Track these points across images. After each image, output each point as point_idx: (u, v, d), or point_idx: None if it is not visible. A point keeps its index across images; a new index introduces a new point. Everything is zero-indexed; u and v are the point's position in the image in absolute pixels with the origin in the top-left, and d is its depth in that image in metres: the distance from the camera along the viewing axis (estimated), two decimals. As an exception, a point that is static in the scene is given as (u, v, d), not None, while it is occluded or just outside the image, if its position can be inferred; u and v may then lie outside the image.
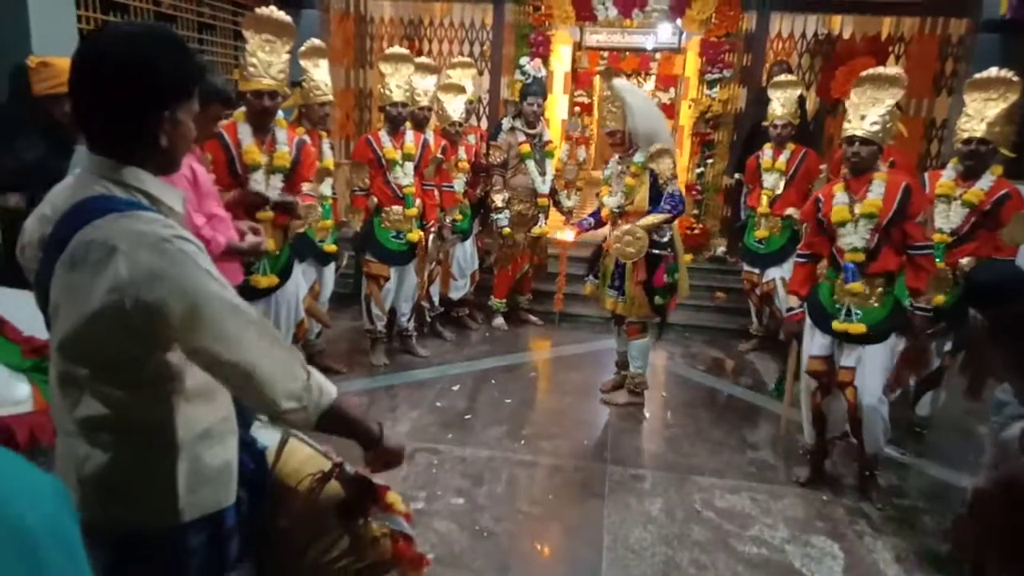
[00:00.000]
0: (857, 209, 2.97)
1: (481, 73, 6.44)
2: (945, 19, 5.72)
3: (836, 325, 3.07)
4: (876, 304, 3.03)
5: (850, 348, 3.09)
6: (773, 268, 4.78)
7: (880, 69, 3.01)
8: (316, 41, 3.64)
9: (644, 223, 3.63)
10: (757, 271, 4.92)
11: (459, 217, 4.89)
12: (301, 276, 3.66)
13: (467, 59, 5.27)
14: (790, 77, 4.73)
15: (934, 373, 3.59)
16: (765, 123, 4.75)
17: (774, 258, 4.77)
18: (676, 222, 3.81)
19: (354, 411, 1.36)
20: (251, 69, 3.02)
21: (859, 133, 2.92)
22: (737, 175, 5.40)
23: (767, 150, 4.78)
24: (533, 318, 5.60)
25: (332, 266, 4.19)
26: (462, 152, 4.94)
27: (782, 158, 4.68)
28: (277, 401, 1.18)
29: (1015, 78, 3.16)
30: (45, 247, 1.16)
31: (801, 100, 5.04)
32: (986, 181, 3.30)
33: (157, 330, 1.11)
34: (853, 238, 2.99)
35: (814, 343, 3.22)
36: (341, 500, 1.51)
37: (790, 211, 4.52)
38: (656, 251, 3.71)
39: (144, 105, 1.15)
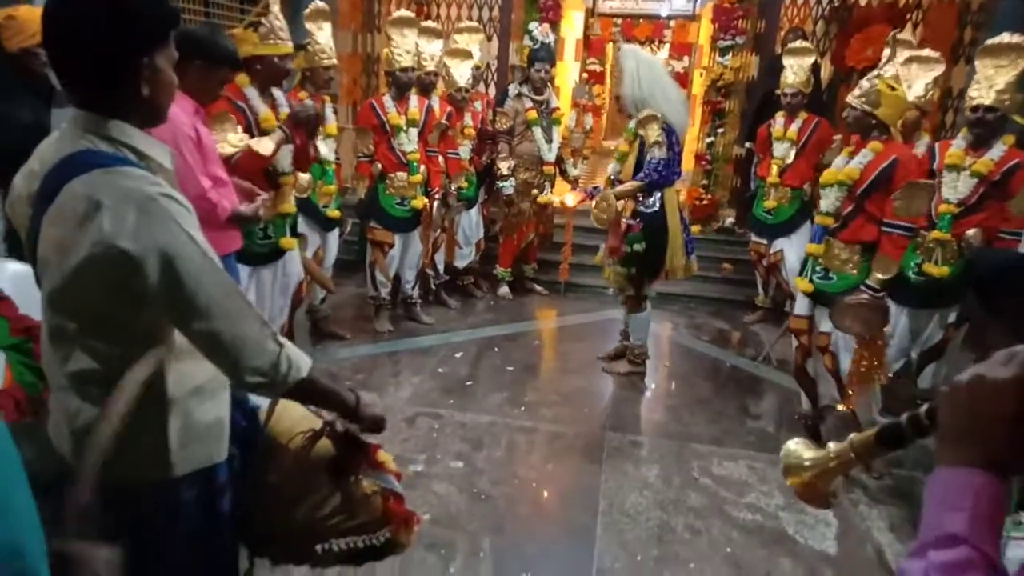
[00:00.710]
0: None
1: (489, 39, 6.35)
2: (966, -16, 5.57)
3: (797, 281, 3.23)
4: (854, 271, 3.05)
5: (827, 313, 3.12)
6: (781, 239, 4.73)
7: (1004, 36, 3.08)
8: (320, 3, 3.60)
9: (617, 191, 3.64)
10: (765, 242, 4.88)
11: (464, 184, 4.87)
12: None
13: (474, 24, 5.19)
14: (804, 44, 4.63)
15: (937, 345, 3.56)
16: (778, 91, 4.66)
17: (782, 229, 4.72)
18: (682, 194, 3.77)
19: (327, 383, 1.35)
20: (280, 33, 3.04)
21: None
22: (748, 144, 5.32)
23: (779, 119, 4.70)
24: (538, 287, 5.60)
25: (336, 232, 4.20)
26: (468, 119, 4.90)
27: (793, 127, 4.61)
28: (242, 373, 1.19)
29: None
30: (33, 202, 1.16)
31: (815, 68, 4.95)
32: (997, 151, 3.23)
33: (136, 286, 1.11)
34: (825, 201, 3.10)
35: (799, 302, 3.30)
36: (332, 458, 1.51)
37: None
38: (627, 220, 3.65)
39: (121, 52, 1.13)
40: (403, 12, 4.19)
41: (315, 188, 3.85)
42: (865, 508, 2.94)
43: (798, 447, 0.94)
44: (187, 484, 1.30)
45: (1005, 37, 3.13)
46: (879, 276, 2.93)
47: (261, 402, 1.57)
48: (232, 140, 2.81)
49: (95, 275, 1.10)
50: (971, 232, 3.26)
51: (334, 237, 4.20)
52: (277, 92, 3.25)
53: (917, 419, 0.80)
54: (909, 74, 3.55)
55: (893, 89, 2.94)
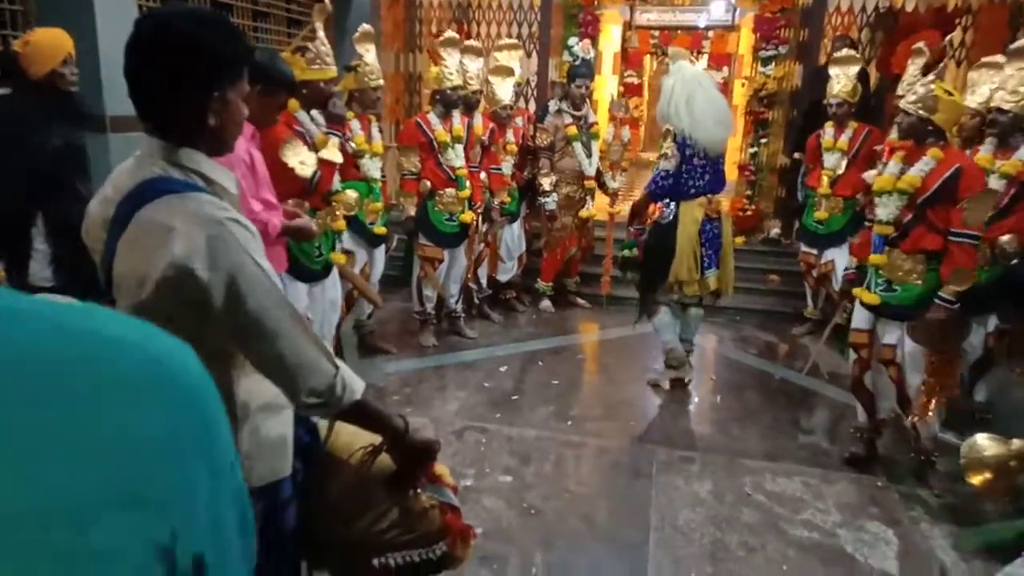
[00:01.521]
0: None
1: (529, 55, 6.41)
2: (1017, -14, 5.44)
3: (859, 293, 3.13)
4: (918, 282, 2.96)
5: (891, 325, 3.06)
6: (832, 249, 4.65)
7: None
8: (367, 26, 3.69)
9: (634, 203, 3.89)
10: (815, 252, 4.80)
11: (507, 199, 4.91)
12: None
13: (513, 41, 5.24)
14: (851, 53, 4.55)
15: (985, 356, 3.47)
16: (825, 101, 4.60)
17: (834, 239, 4.63)
18: (725, 204, 3.79)
19: (378, 406, 1.40)
20: (326, 58, 3.16)
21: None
22: (797, 154, 5.23)
23: (828, 129, 4.63)
24: (581, 300, 5.59)
25: (382, 248, 4.26)
26: (510, 135, 4.95)
27: (844, 137, 4.54)
28: (299, 394, 1.23)
29: None
30: (108, 227, 1.21)
31: (864, 76, 4.87)
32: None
33: (204, 307, 1.14)
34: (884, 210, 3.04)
35: (858, 315, 3.21)
36: (392, 472, 1.54)
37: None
38: (631, 227, 3.90)
39: (193, 85, 1.18)
40: (449, 33, 4.26)
41: (362, 206, 3.92)
42: (926, 526, 2.85)
43: (985, 442, 0.93)
44: (255, 498, 1.32)
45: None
46: (955, 288, 2.83)
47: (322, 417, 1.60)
48: (308, 161, 2.91)
49: (167, 297, 1.13)
50: (1005, 238, 3.18)
51: (380, 253, 4.26)
52: (316, 113, 3.31)
53: None
54: (978, 78, 3.52)
55: (950, 94, 2.88)
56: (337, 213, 3.35)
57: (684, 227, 3.67)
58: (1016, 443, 0.85)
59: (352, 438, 1.58)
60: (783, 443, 3.52)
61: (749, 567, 2.58)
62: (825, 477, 3.19)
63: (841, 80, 4.41)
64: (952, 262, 2.83)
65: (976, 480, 0.93)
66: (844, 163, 4.54)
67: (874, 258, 3.08)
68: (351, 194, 3.64)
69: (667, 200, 3.71)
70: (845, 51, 4.57)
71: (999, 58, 3.63)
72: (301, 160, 2.88)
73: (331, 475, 1.55)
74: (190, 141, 1.22)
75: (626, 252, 3.88)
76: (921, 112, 2.89)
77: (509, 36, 6.39)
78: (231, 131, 1.26)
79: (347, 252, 3.74)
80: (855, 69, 4.45)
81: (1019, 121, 3.20)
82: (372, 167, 3.93)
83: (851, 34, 5.91)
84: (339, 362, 1.28)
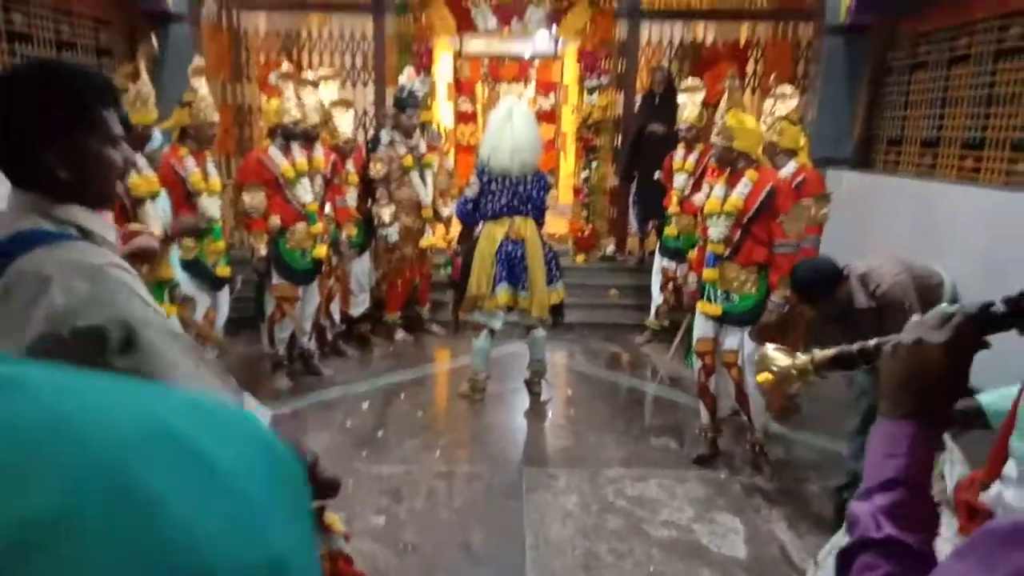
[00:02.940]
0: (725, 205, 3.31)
1: (366, 84, 6.40)
2: (795, 24, 6.24)
3: (702, 306, 3.46)
4: (753, 290, 3.32)
5: (733, 330, 3.41)
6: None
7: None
8: (200, 60, 3.53)
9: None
10: (674, 265, 5.15)
11: (354, 231, 4.85)
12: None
13: (329, 71, 5.19)
14: (696, 82, 4.94)
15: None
16: (651, 127, 4.99)
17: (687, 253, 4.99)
18: (563, 226, 4.05)
19: (287, 437, 1.36)
20: (148, 101, 3.04)
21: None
22: (657, 174, 5.41)
23: (680, 151, 5.01)
24: (435, 328, 5.62)
25: (227, 290, 4.05)
26: (350, 165, 4.90)
27: (691, 159, 4.92)
28: None
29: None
30: None
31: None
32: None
33: (94, 356, 1.09)
34: (715, 231, 3.35)
35: (700, 325, 3.54)
36: None
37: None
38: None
39: (28, 137, 1.14)
40: (285, 67, 4.17)
41: (202, 246, 3.71)
42: (766, 511, 3.18)
43: (774, 353, 1.08)
44: None
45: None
46: (783, 292, 3.19)
47: None
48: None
49: (49, 351, 1.07)
50: None
51: (225, 296, 4.04)
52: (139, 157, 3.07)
53: (866, 350, 0.92)
54: (774, 107, 4.04)
55: (741, 123, 3.27)
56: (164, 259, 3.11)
57: (480, 246, 4.02)
58: (801, 358, 1.02)
59: None
60: (637, 448, 3.77)
61: (620, 571, 2.74)
62: (677, 477, 3.46)
63: (688, 107, 4.82)
64: (779, 269, 3.20)
65: (760, 379, 1.10)
66: (691, 183, 4.89)
67: (707, 273, 3.42)
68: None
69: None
70: (690, 80, 4.97)
71: (786, 88, 4.18)
72: None
73: None
74: (61, 195, 1.17)
75: (441, 270, 4.21)
76: (723, 142, 3.26)
77: (343, 66, 6.33)
78: (97, 179, 1.21)
79: (187, 299, 3.51)
80: (700, 96, 4.85)
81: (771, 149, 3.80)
82: (211, 205, 3.73)
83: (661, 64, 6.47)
84: (241, 390, 1.25)
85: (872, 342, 0.91)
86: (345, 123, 4.63)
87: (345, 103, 4.64)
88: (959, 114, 4.59)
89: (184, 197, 3.62)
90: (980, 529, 0.56)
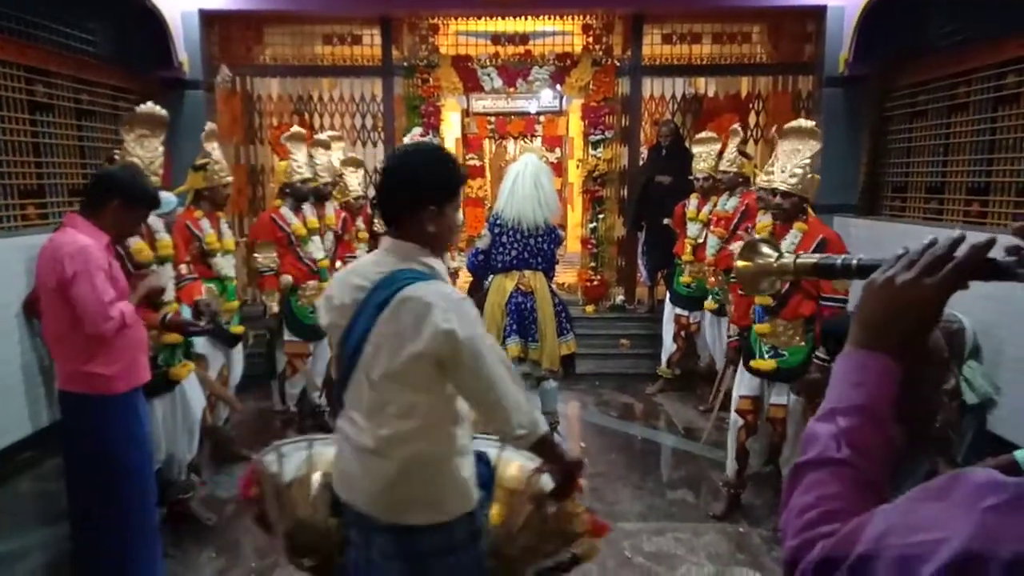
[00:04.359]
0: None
1: (375, 144, 6.55)
2: (794, 77, 6.38)
3: (756, 362, 3.29)
4: (802, 343, 3.22)
5: (780, 385, 3.29)
6: (700, 310, 5.01)
7: (800, 121, 3.26)
8: (212, 125, 3.65)
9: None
10: (686, 313, 5.14)
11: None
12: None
13: (336, 133, 5.32)
14: (710, 134, 5.00)
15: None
16: (659, 178, 5.04)
17: (702, 300, 4.96)
18: (572, 276, 4.01)
19: (550, 437, 1.67)
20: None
21: (780, 185, 3.17)
22: (666, 221, 5.44)
23: (693, 200, 5.04)
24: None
25: (240, 348, 4.07)
26: (360, 222, 4.99)
27: (706, 209, 4.92)
28: (512, 428, 1.55)
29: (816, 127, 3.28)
30: (361, 306, 1.55)
31: (685, 152, 5.45)
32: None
33: (449, 363, 1.49)
34: None
35: (743, 383, 3.42)
36: (555, 487, 1.76)
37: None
38: None
39: (412, 202, 1.57)
40: (296, 128, 4.29)
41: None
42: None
43: (763, 248, 1.08)
44: (459, 525, 1.60)
45: (803, 122, 3.31)
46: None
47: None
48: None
49: (430, 357, 1.48)
50: None
51: (238, 353, 4.07)
52: (155, 220, 3.07)
53: (848, 265, 0.91)
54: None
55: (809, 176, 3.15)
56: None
57: (490, 298, 3.99)
58: (786, 258, 1.02)
59: (517, 471, 1.88)
60: (653, 502, 3.71)
61: (640, 631, 2.66)
62: (695, 530, 3.39)
63: (704, 157, 4.87)
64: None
65: (740, 266, 1.10)
66: (705, 232, 4.89)
67: (759, 327, 3.28)
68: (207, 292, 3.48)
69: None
70: (705, 132, 5.03)
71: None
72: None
73: (499, 501, 1.85)
74: (424, 245, 1.60)
75: None
76: (794, 192, 3.13)
77: (354, 128, 6.51)
78: (445, 237, 1.64)
79: (200, 357, 3.53)
80: (716, 147, 4.90)
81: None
82: (225, 265, 3.80)
83: (664, 118, 6.59)
84: (532, 401, 1.63)
85: (854, 261, 0.89)
86: (355, 182, 4.73)
87: (355, 162, 4.74)
88: (962, 161, 4.63)
89: (199, 257, 3.69)
90: (956, 475, 0.59)
